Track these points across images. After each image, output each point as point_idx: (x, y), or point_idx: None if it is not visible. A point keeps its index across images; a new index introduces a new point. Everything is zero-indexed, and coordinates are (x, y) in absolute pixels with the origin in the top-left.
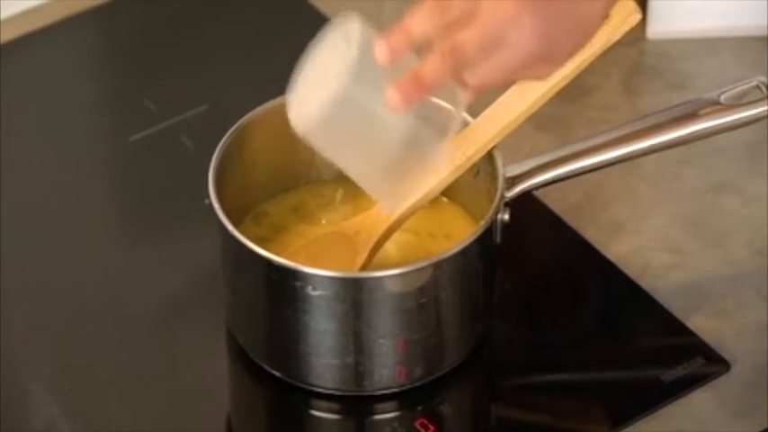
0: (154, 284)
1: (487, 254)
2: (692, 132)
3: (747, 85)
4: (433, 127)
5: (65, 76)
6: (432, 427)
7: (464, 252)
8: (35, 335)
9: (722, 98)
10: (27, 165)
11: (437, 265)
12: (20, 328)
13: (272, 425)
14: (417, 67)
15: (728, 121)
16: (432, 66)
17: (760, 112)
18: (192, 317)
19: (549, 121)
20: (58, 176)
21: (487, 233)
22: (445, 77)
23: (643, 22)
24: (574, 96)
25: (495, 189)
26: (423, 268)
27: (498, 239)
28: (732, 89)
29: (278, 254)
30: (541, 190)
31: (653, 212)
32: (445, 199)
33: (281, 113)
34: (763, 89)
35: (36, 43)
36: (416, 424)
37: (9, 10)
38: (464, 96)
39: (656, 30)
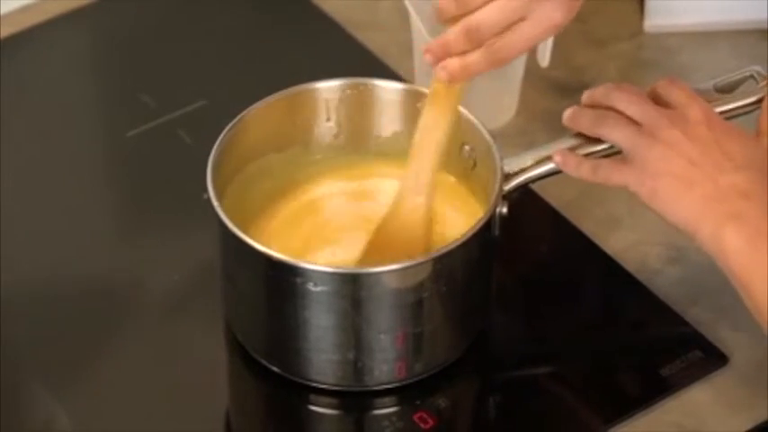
0: (152, 280)
1: (486, 248)
2: None
3: (741, 75)
4: None
5: (62, 72)
6: (431, 421)
7: (463, 246)
8: (33, 331)
9: (716, 88)
10: (25, 161)
11: (436, 260)
12: (18, 324)
13: (270, 420)
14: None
15: (723, 111)
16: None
17: (754, 101)
18: (190, 312)
19: (546, 115)
20: (56, 172)
21: (486, 227)
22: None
23: (641, 16)
24: (572, 90)
25: (494, 182)
26: (422, 263)
27: (497, 233)
28: (726, 79)
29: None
30: (539, 184)
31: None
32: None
33: (280, 108)
34: (758, 79)
35: (34, 39)
36: (415, 418)
37: (6, 6)
38: None
39: (653, 24)
